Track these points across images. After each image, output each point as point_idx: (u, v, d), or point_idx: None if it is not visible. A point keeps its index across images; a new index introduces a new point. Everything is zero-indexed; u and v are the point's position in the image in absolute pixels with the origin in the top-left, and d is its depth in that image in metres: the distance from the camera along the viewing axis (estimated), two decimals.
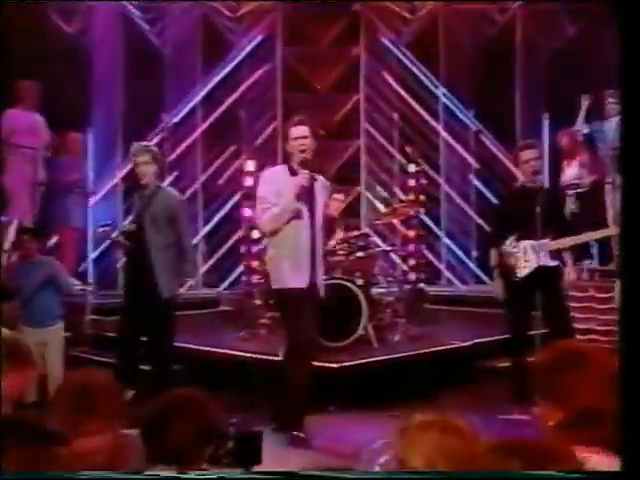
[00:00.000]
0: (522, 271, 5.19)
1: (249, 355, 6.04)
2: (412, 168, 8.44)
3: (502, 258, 5.32)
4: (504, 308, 5.45)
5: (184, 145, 8.85)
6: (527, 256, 5.20)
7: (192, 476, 1.82)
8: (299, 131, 4.67)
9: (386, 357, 5.98)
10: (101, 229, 5.50)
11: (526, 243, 5.21)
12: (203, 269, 8.88)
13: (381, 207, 8.81)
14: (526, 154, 5.29)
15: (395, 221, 8.38)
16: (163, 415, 1.91)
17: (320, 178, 4.73)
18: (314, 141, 4.62)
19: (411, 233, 8.30)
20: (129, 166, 5.35)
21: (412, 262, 8.19)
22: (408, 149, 8.77)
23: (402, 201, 8.54)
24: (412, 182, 8.45)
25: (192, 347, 6.36)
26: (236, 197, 8.64)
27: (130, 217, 5.66)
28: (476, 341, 6.52)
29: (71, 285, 5.73)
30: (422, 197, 8.39)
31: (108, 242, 5.50)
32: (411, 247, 8.22)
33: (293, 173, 4.62)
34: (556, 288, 5.08)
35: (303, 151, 4.59)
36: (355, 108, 9.41)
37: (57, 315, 5.45)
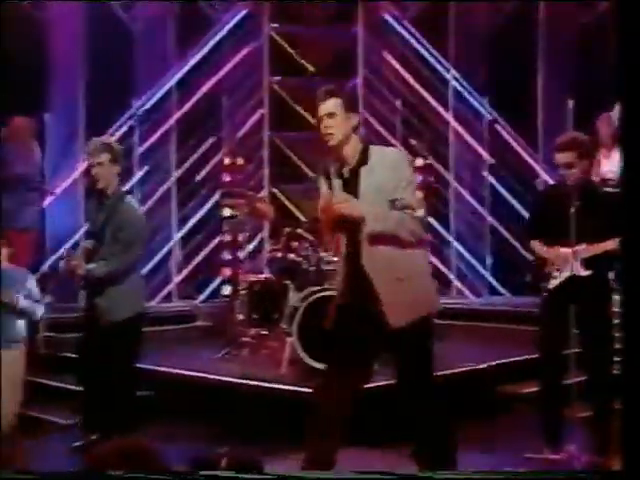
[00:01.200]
0: (552, 282, 4.96)
1: (230, 379, 5.93)
2: (418, 163, 8.45)
3: (534, 265, 5.09)
4: (536, 324, 5.22)
5: (156, 135, 8.75)
6: (559, 265, 4.95)
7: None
8: (324, 107, 3.85)
9: (388, 382, 5.58)
10: (62, 264, 5.05)
11: (559, 250, 4.99)
12: (178, 278, 8.84)
13: None
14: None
15: None
16: (102, 465, 1.89)
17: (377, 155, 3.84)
18: (348, 120, 3.78)
19: None
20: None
21: None
22: (413, 141, 8.89)
23: None
24: (418, 179, 8.34)
25: (164, 370, 6.26)
26: (216, 196, 8.61)
27: (87, 229, 5.44)
28: (494, 362, 6.36)
29: (38, 298, 5.30)
30: (428, 195, 8.46)
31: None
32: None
33: (326, 174, 3.93)
34: (594, 302, 4.86)
35: (329, 135, 3.81)
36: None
37: (21, 335, 5.00)
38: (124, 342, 4.95)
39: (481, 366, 6.30)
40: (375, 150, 3.81)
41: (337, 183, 3.79)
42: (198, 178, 8.82)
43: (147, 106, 8.66)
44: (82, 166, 7.84)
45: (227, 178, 8.26)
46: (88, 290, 5.06)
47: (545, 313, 5.05)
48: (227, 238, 8.13)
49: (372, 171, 3.74)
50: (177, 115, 8.86)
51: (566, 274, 4.90)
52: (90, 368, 5.05)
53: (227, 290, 7.92)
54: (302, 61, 9.19)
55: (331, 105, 3.82)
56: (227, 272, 8.09)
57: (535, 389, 5.40)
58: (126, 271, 4.94)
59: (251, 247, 8.39)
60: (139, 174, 8.62)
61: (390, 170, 3.73)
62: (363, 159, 3.77)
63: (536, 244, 5.10)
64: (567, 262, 4.86)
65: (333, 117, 3.80)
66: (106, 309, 4.93)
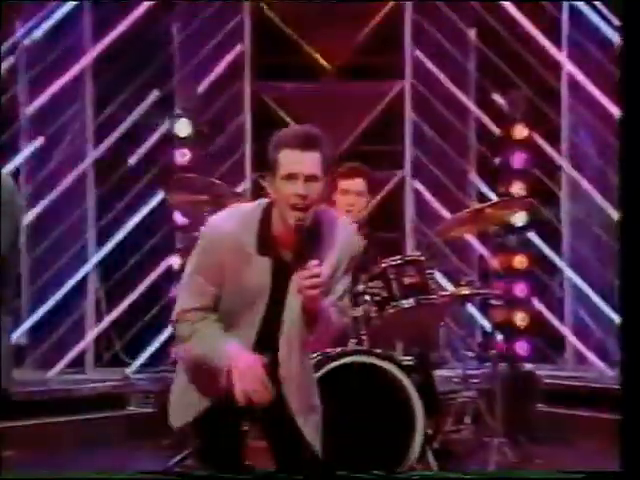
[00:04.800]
0: None
1: None
2: (519, 133, 8.48)
3: None
4: None
5: (57, 85, 8.64)
6: None
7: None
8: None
9: None
10: None
11: None
12: (96, 332, 8.77)
13: (445, 211, 8.86)
14: None
15: (472, 238, 8.55)
16: None
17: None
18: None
19: (505, 261, 8.32)
20: None
21: (520, 321, 8.19)
22: (498, 97, 8.83)
23: (484, 199, 8.59)
24: (508, 161, 8.48)
25: None
26: (162, 191, 8.55)
27: None
28: None
29: None
30: (524, 191, 8.38)
31: None
32: (505, 288, 8.22)
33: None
34: None
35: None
36: (395, 20, 9.34)
37: None
38: None
39: None
40: (327, 224, 4.34)
41: (264, 266, 4.25)
42: (132, 160, 8.84)
43: (39, 34, 8.59)
44: None
45: (181, 159, 8.20)
46: None
47: None
48: (181, 263, 7.98)
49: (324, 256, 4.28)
50: (94, 52, 8.79)
51: None
52: None
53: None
54: None
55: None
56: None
57: None
58: None
59: None
60: (27, 150, 8.54)
61: (340, 256, 4.33)
62: (314, 237, 4.26)
63: None
64: None
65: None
66: None
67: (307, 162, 4.14)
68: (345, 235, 4.34)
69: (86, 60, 8.72)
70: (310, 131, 4.20)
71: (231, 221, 4.24)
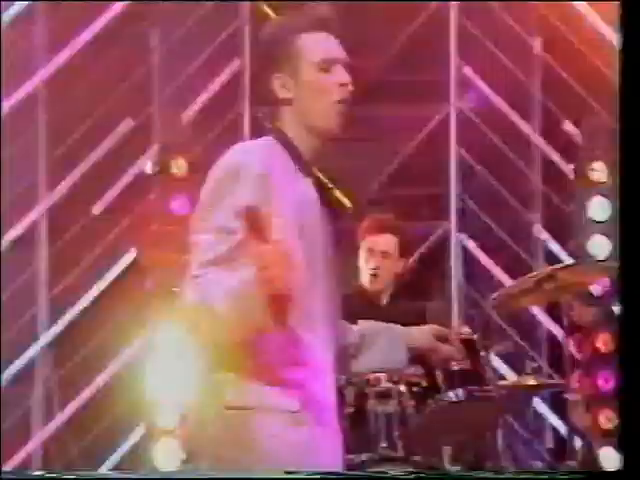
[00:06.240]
0: None
1: None
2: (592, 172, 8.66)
3: None
4: None
5: (3, 107, 8.75)
6: None
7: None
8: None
9: None
10: None
11: None
12: (45, 432, 8.85)
13: (503, 274, 9.11)
14: None
15: (539, 311, 8.94)
16: None
17: None
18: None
19: (584, 342, 8.51)
20: None
21: (606, 422, 8.26)
22: (571, 126, 9.07)
23: (555, 261, 8.80)
24: (585, 211, 8.62)
25: None
26: (133, 249, 8.89)
27: None
28: None
29: None
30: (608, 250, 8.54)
31: None
32: (584, 379, 8.38)
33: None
34: None
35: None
36: (436, 26, 9.42)
37: None
38: None
39: None
40: None
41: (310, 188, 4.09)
42: (96, 209, 8.94)
43: None
44: None
45: (166, 205, 8.34)
46: None
47: None
48: None
49: None
50: (49, 67, 8.89)
51: None
52: None
53: None
54: None
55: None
56: None
57: None
58: None
59: None
60: None
61: None
62: None
63: None
64: None
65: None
66: None
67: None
68: None
69: (39, 77, 8.86)
70: (328, 12, 4.02)
71: (253, 151, 3.93)
